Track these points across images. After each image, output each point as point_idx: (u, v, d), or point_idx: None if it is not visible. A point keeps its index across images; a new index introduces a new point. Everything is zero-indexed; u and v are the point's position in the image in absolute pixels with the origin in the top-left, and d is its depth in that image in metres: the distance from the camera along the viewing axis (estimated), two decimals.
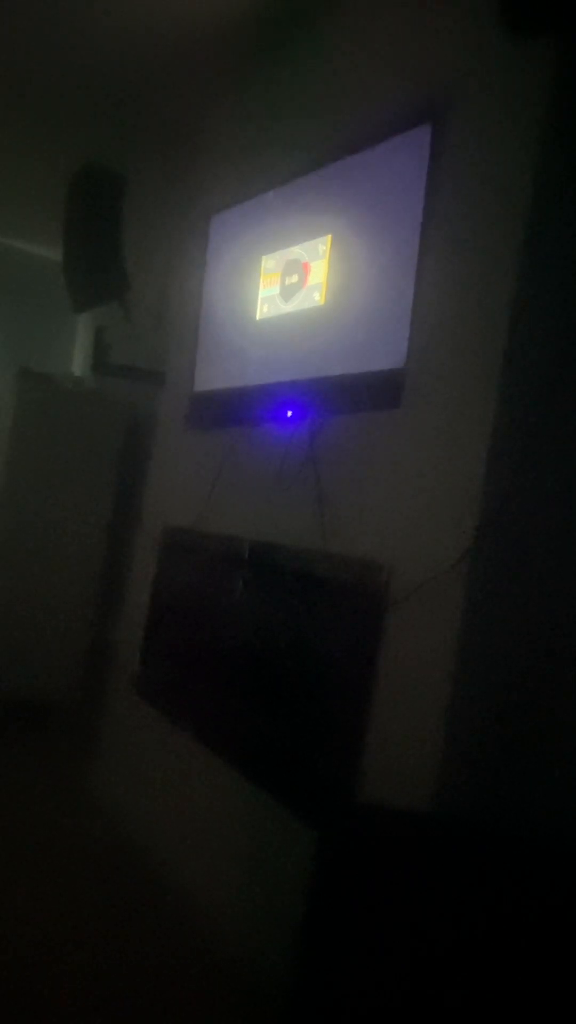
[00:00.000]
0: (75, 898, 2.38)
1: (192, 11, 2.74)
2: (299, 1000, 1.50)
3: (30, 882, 2.44)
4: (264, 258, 2.63)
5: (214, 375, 2.90)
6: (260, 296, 2.63)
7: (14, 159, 4.12)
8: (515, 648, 1.81)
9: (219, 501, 2.74)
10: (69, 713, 3.91)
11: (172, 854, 2.61)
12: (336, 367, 2.28)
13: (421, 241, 2.02)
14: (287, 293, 2.51)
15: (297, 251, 2.48)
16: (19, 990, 1.93)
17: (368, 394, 2.15)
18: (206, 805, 2.54)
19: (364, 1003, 1.38)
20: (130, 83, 3.25)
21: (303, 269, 2.45)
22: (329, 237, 2.35)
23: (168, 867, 2.59)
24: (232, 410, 2.75)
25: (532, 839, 1.62)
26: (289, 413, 2.41)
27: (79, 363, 5.19)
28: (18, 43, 3.09)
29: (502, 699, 1.79)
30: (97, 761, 3.29)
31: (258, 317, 2.64)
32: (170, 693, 2.87)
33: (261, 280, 2.63)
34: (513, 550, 1.79)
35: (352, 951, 1.42)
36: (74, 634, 3.94)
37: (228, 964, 2.14)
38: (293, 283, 2.48)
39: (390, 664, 1.92)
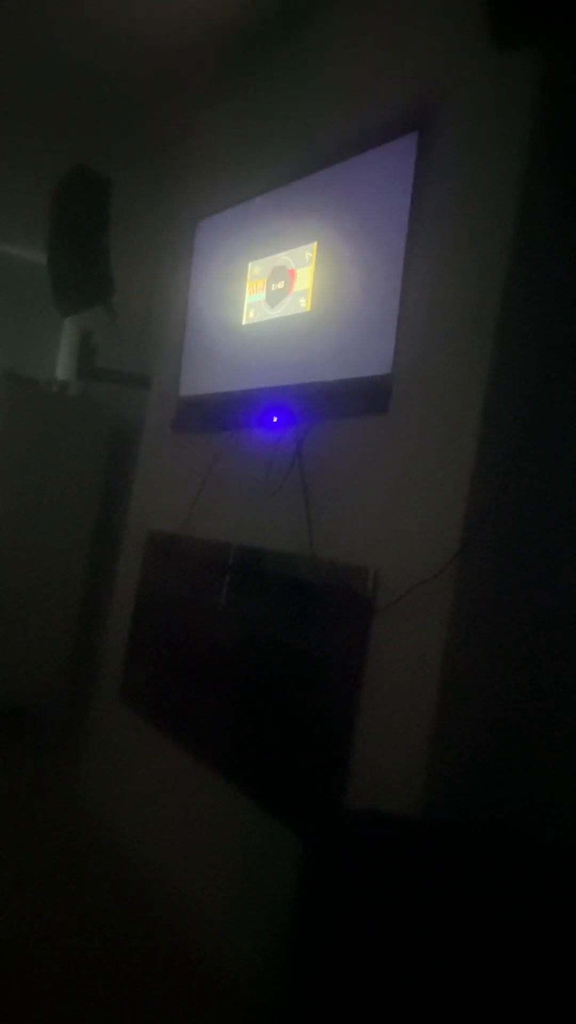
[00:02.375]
0: (61, 905, 2.37)
1: (181, 16, 2.75)
2: (288, 1006, 1.50)
3: (16, 889, 2.42)
4: (251, 264, 2.63)
5: (200, 380, 2.90)
6: (246, 302, 2.63)
7: (0, 162, 4.11)
8: (502, 652, 1.82)
9: (205, 506, 2.74)
10: (53, 720, 3.88)
11: (159, 861, 2.59)
12: (322, 373, 2.28)
13: (407, 248, 2.03)
14: (273, 299, 2.51)
15: (283, 257, 2.49)
16: (6, 997, 1.91)
17: (354, 400, 2.16)
18: (193, 812, 2.53)
19: (353, 1010, 1.37)
20: (118, 87, 3.25)
21: (289, 275, 2.45)
22: (315, 244, 2.36)
23: (155, 874, 2.57)
24: (218, 415, 2.75)
25: (521, 843, 1.62)
26: (275, 418, 2.42)
27: (64, 367, 5.18)
28: (4, 47, 3.08)
29: (489, 703, 1.80)
30: (82, 768, 3.27)
31: (244, 322, 2.64)
32: (154, 700, 2.86)
33: (247, 286, 2.64)
34: (500, 555, 1.80)
35: (341, 957, 1.42)
36: (58, 640, 3.92)
37: (216, 970, 2.14)
38: (279, 289, 2.49)
39: (377, 669, 1.92)
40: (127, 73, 3.13)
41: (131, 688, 3.03)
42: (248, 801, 2.26)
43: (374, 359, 2.09)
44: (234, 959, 2.14)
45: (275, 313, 2.49)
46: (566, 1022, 1.28)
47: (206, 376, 2.87)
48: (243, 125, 3.00)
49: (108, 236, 3.33)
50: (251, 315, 2.61)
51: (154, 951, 2.22)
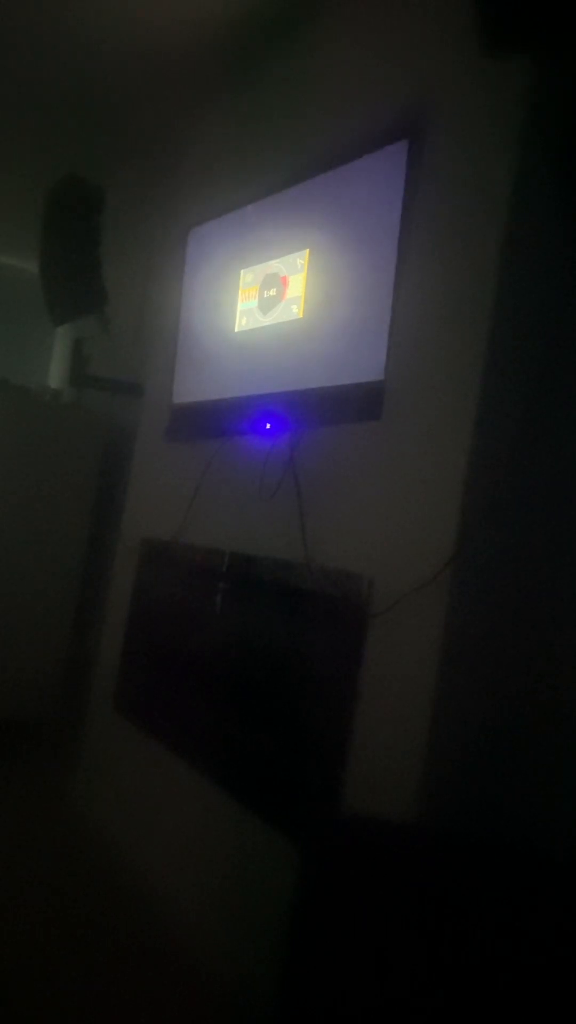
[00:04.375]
0: (58, 914, 2.35)
1: (172, 26, 2.76)
2: (284, 1015, 1.49)
3: (13, 899, 2.41)
4: (243, 271, 2.64)
5: (193, 387, 2.90)
6: (239, 309, 2.64)
7: None
8: (497, 658, 1.82)
9: (199, 513, 2.74)
10: (48, 730, 3.86)
11: (155, 870, 2.58)
12: (315, 379, 2.29)
13: (399, 255, 2.03)
14: (265, 306, 2.52)
15: (275, 265, 2.49)
16: (4, 1004, 1.90)
17: (347, 406, 2.16)
18: (188, 820, 2.52)
19: (349, 1019, 1.37)
20: (109, 96, 3.26)
21: (281, 282, 2.46)
22: (307, 251, 2.37)
23: (151, 883, 2.56)
24: (211, 422, 2.75)
25: (517, 849, 1.62)
26: (268, 425, 2.42)
27: (57, 376, 5.17)
28: None
29: (485, 709, 1.80)
30: (77, 778, 3.25)
31: (236, 330, 2.64)
32: (149, 708, 2.85)
33: (240, 293, 2.64)
34: (494, 560, 1.80)
35: (337, 964, 1.41)
36: (52, 649, 3.90)
37: (212, 978, 2.13)
38: (271, 296, 2.49)
39: (372, 675, 1.92)
40: (118, 82, 3.14)
41: (126, 697, 3.02)
42: (244, 809, 2.26)
43: (367, 365, 2.09)
44: (230, 967, 2.13)
45: (267, 320, 2.50)
46: None
47: (199, 384, 2.87)
48: (234, 133, 3.01)
49: (101, 245, 3.34)
50: (243, 322, 2.61)
51: (150, 959, 2.21)
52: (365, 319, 2.12)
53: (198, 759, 2.51)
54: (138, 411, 3.42)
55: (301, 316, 2.36)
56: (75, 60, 3.04)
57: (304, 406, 2.31)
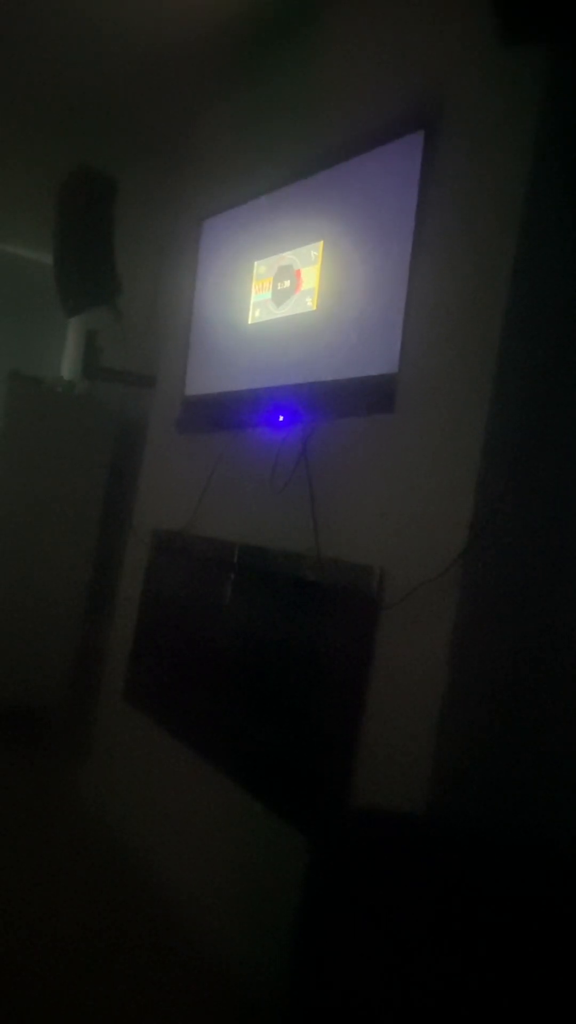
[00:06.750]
0: (66, 905, 2.37)
1: (184, 16, 2.75)
2: (293, 1005, 1.50)
3: (20, 890, 2.42)
4: (256, 263, 2.63)
5: (205, 379, 2.90)
6: (252, 301, 2.63)
7: (4, 162, 4.11)
8: (508, 651, 1.81)
9: (210, 505, 2.74)
10: (58, 719, 3.88)
11: (163, 861, 2.60)
12: (328, 372, 2.28)
13: (413, 247, 2.03)
14: (279, 298, 2.51)
15: (289, 256, 2.49)
16: (8, 997, 1.92)
17: (360, 399, 2.15)
18: (197, 811, 2.53)
19: (359, 1011, 1.37)
20: (122, 87, 3.25)
21: (295, 274, 2.45)
22: (321, 243, 2.36)
23: (160, 874, 2.58)
24: (223, 414, 2.75)
25: (526, 842, 1.62)
26: (281, 418, 2.42)
27: (69, 367, 5.18)
28: (9, 48, 3.09)
29: (495, 702, 1.80)
30: (86, 767, 3.27)
31: (250, 322, 2.64)
32: (159, 699, 2.86)
33: (253, 285, 2.64)
34: (506, 554, 1.80)
35: (346, 957, 1.42)
36: (63, 639, 3.93)
37: (221, 971, 2.14)
38: (285, 288, 2.49)
39: (383, 668, 1.92)
40: (131, 73, 3.14)
41: (135, 687, 3.03)
42: (253, 800, 2.26)
43: (380, 358, 2.09)
44: (239, 958, 2.14)
45: (281, 312, 2.49)
46: (569, 1022, 1.28)
47: (211, 375, 2.87)
48: (248, 124, 3.00)
49: (114, 236, 3.33)
50: (257, 314, 2.61)
51: (159, 950, 2.22)
52: (379, 311, 2.12)
53: (207, 749, 2.52)
54: (150, 403, 3.42)
55: (315, 308, 2.36)
56: (87, 52, 3.04)
57: (317, 399, 2.31)
